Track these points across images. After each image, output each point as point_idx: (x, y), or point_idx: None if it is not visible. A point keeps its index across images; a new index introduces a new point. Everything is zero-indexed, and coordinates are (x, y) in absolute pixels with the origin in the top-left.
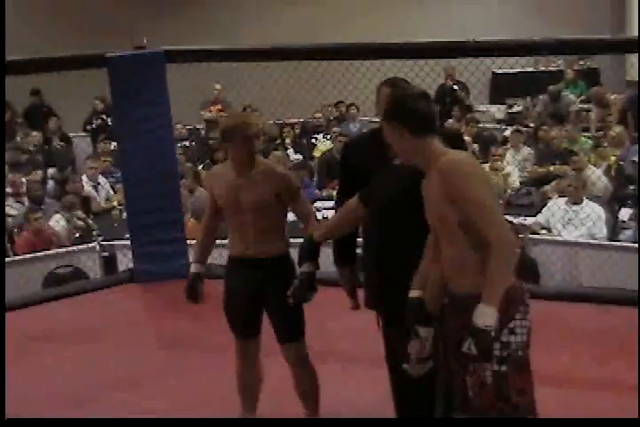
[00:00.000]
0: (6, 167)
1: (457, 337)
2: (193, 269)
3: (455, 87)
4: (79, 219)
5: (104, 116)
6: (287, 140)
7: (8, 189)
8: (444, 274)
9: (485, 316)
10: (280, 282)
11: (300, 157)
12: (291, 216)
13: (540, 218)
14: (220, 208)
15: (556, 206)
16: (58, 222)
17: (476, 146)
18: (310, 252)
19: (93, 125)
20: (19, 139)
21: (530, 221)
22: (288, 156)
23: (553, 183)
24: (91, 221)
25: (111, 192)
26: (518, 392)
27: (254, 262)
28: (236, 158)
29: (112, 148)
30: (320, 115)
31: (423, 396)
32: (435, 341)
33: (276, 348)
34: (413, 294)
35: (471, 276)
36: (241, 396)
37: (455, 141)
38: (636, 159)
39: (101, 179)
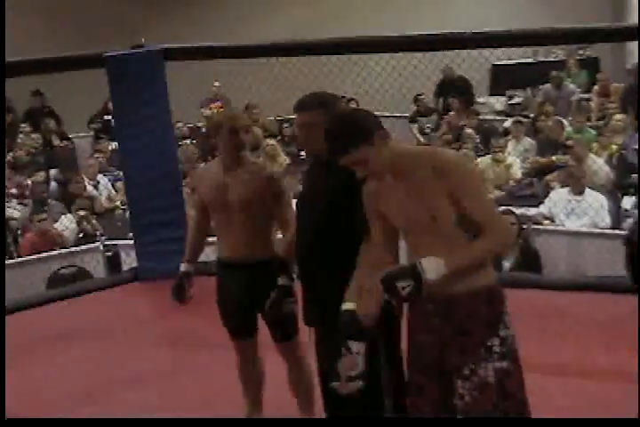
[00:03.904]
0: (10, 170)
1: (448, 344)
2: (182, 268)
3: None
4: (85, 219)
5: (109, 117)
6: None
7: (13, 191)
8: None
9: (435, 266)
10: (269, 284)
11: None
12: None
13: (543, 208)
14: (207, 208)
15: (558, 196)
16: (62, 223)
17: (477, 137)
18: (282, 266)
19: (96, 125)
20: (19, 141)
21: (532, 211)
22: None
23: (555, 173)
24: (94, 222)
25: (113, 191)
26: (520, 386)
27: (242, 266)
28: (223, 153)
29: (112, 147)
30: None
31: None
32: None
33: None
34: (347, 306)
35: (468, 275)
36: (244, 392)
37: None
38: (637, 147)
39: (101, 178)
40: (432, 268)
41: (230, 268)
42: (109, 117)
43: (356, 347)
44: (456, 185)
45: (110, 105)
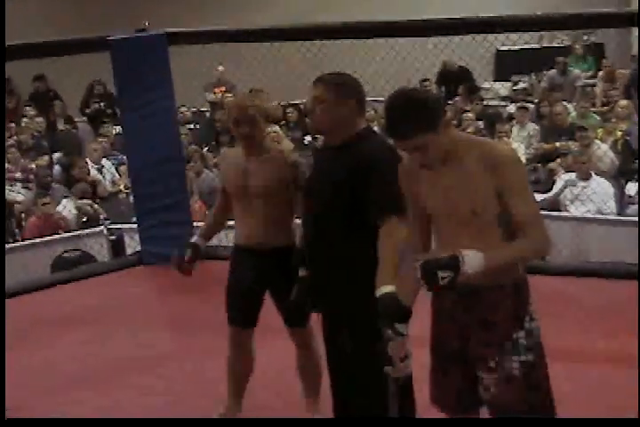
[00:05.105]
0: (16, 152)
1: (470, 335)
2: (192, 239)
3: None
4: (87, 204)
5: (101, 103)
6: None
7: (18, 175)
8: None
9: (476, 260)
10: (285, 271)
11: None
12: None
13: (553, 194)
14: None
15: (562, 181)
16: (65, 207)
17: (481, 123)
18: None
19: (91, 110)
20: (23, 124)
21: (537, 197)
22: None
23: (558, 160)
24: (97, 206)
25: (116, 175)
26: (545, 378)
27: (259, 253)
28: (243, 139)
29: (115, 132)
30: None
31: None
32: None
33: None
34: (386, 289)
35: (498, 270)
36: (228, 381)
37: None
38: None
39: (105, 162)
40: (472, 261)
41: (247, 253)
42: (97, 100)
43: (403, 329)
44: (504, 181)
45: (96, 89)
